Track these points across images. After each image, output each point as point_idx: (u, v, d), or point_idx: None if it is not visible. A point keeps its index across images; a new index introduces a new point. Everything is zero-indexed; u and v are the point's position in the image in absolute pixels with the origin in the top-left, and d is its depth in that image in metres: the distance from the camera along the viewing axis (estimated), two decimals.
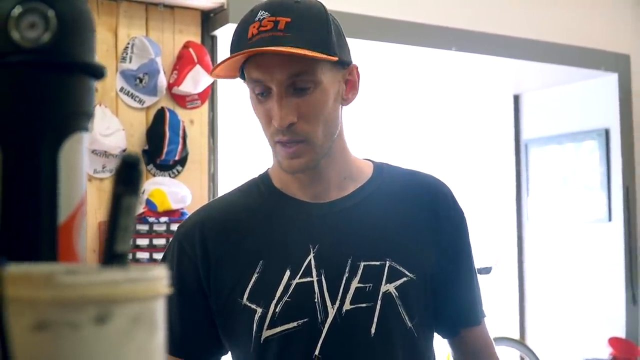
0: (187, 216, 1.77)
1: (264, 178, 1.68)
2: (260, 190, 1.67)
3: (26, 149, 0.55)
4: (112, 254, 0.48)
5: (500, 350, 1.82)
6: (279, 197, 1.64)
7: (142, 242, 3.59)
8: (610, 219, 5.16)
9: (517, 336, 5.65)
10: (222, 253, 1.60)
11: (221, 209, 1.68)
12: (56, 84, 0.57)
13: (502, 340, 4.77)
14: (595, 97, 5.22)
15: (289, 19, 1.47)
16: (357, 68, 1.61)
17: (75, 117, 0.58)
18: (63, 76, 0.57)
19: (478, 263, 1.75)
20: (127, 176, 0.48)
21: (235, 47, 1.51)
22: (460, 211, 1.69)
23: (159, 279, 0.47)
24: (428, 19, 4.22)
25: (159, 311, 0.47)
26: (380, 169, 1.70)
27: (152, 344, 0.46)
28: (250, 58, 1.50)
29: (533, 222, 5.73)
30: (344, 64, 1.57)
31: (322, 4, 1.56)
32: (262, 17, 1.48)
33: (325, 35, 1.50)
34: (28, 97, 0.56)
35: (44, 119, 0.56)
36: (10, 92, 0.56)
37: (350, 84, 1.61)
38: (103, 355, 0.43)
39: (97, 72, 0.60)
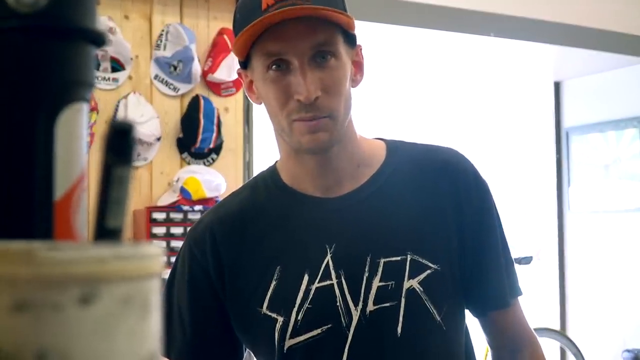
0: (197, 219, 1.68)
1: (272, 173, 1.60)
2: (267, 186, 1.59)
3: (20, 119, 0.53)
4: (103, 229, 0.44)
5: (540, 341, 1.74)
6: (289, 194, 1.56)
7: (177, 230, 3.59)
8: None
9: (557, 327, 5.58)
10: (235, 259, 1.53)
11: (230, 211, 1.59)
12: (53, 51, 0.54)
13: (542, 331, 4.72)
14: (637, 83, 5.15)
15: None
16: (361, 49, 1.52)
17: (74, 86, 0.55)
18: (61, 42, 0.54)
19: (518, 252, 1.68)
20: (118, 145, 0.44)
21: (245, 22, 1.39)
22: (482, 186, 1.58)
23: (152, 257, 0.43)
24: (466, 3, 4.16)
25: (153, 292, 0.43)
26: (394, 149, 1.60)
27: (144, 327, 0.43)
28: (264, 32, 1.39)
29: (574, 211, 5.65)
30: (353, 43, 1.49)
31: None
32: None
33: (342, 2, 1.44)
34: (23, 64, 0.53)
35: (40, 87, 0.54)
36: (4, 58, 0.53)
37: (357, 66, 1.53)
38: (89, 339, 0.40)
39: (98, 39, 0.57)
